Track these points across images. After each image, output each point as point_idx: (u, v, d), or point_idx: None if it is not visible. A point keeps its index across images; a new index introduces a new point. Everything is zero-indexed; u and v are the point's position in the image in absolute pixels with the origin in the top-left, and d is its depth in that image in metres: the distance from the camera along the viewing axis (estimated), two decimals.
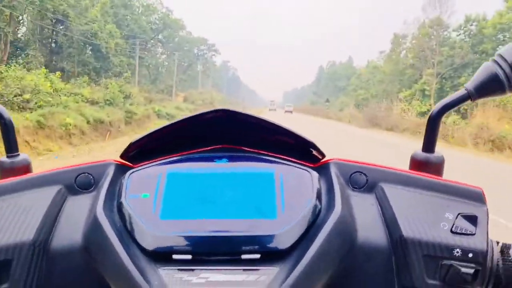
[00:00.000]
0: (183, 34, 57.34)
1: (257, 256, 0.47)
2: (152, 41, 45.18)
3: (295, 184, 0.53)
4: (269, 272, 0.45)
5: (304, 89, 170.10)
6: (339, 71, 76.77)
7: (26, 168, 0.65)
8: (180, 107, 34.67)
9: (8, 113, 0.64)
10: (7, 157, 0.65)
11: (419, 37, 35.74)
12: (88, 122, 17.20)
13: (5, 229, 0.49)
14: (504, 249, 0.50)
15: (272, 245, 0.47)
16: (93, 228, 0.49)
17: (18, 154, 0.66)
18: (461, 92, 0.60)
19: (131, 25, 38.23)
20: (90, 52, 29.41)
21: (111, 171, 0.57)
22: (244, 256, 0.47)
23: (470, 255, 0.47)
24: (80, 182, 0.56)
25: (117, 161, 0.59)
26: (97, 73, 28.78)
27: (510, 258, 0.49)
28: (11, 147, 0.65)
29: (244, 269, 0.46)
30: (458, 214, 0.50)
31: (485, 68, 0.58)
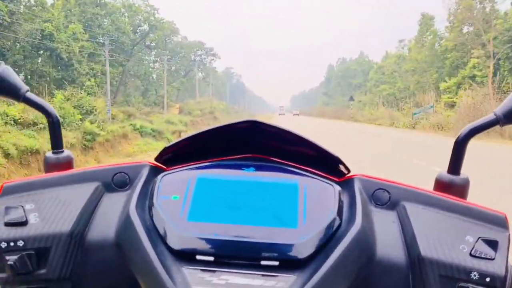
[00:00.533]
0: (178, 40, 51.14)
1: (276, 263, 0.48)
2: (137, 46, 38.81)
3: (318, 197, 0.54)
4: (287, 280, 0.46)
5: (313, 92, 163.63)
6: (353, 66, 69.79)
7: (69, 164, 0.70)
8: (172, 121, 28.18)
9: (55, 111, 0.69)
10: (53, 153, 0.70)
11: (458, 12, 28.67)
12: (7, 154, 10.55)
13: (46, 219, 0.53)
14: None
15: (291, 253, 0.48)
16: (125, 225, 0.52)
17: (63, 151, 0.70)
18: (489, 117, 0.60)
19: (108, 27, 31.83)
20: (47, 60, 23.02)
21: (145, 172, 0.59)
22: (263, 262, 0.48)
23: (488, 279, 0.47)
24: (116, 181, 0.59)
25: (151, 163, 0.62)
26: (59, 85, 22.34)
27: None
28: (57, 143, 0.70)
29: (263, 275, 0.47)
30: (479, 238, 0.50)
31: None
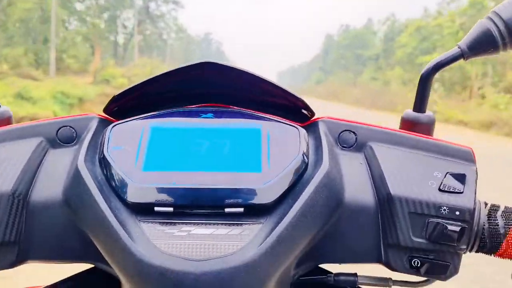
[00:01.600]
0: None
1: (241, 210, 0.45)
2: None
3: (282, 140, 0.52)
4: (253, 227, 0.45)
5: (303, 67, 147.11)
6: (363, 35, 53.27)
7: (7, 120, 0.64)
8: (29, 96, 11.83)
9: None
10: None
11: None
12: None
13: None
14: (491, 211, 0.50)
15: (256, 198, 0.46)
16: (74, 181, 0.49)
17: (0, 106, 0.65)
18: (453, 50, 0.58)
19: None
20: None
21: (93, 125, 0.56)
22: (227, 210, 0.46)
23: (457, 213, 0.47)
24: (61, 135, 0.55)
25: (100, 115, 0.58)
26: None
27: (497, 220, 0.49)
28: None
29: (227, 223, 0.45)
30: (447, 172, 0.50)
31: (479, 26, 0.56)
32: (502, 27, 0.54)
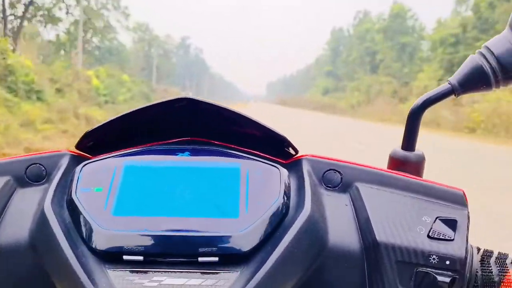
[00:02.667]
0: None
1: (215, 259, 0.43)
2: None
3: (262, 181, 0.49)
4: (229, 276, 0.42)
5: (296, 77, 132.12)
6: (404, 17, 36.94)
7: None
8: None
9: None
10: None
11: None
12: None
13: None
14: (484, 257, 0.48)
15: (232, 247, 0.43)
16: (40, 224, 0.46)
17: None
18: (444, 86, 0.56)
19: None
20: None
21: (64, 162, 0.52)
22: (201, 259, 0.43)
23: (448, 262, 0.44)
24: (30, 173, 0.52)
25: (72, 151, 0.55)
26: None
27: (490, 267, 0.47)
28: None
29: (201, 272, 0.43)
30: (437, 217, 0.47)
31: (470, 61, 0.55)
32: (494, 63, 0.52)
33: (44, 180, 0.52)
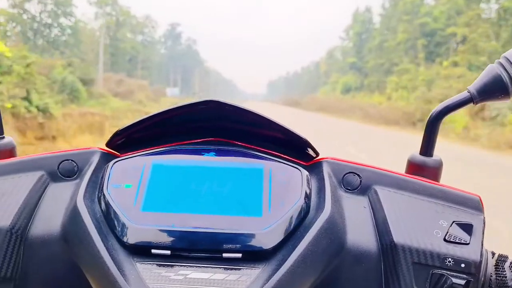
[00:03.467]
0: None
1: (239, 255, 0.45)
2: None
3: (284, 182, 0.51)
4: (251, 273, 0.44)
5: (299, 75, 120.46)
6: None
7: (10, 152, 0.63)
8: None
9: None
10: None
11: None
12: None
13: None
14: (499, 262, 0.49)
15: (255, 244, 0.45)
16: (72, 218, 0.48)
17: (3, 137, 0.64)
18: (463, 94, 0.58)
19: None
20: None
21: (95, 159, 0.55)
22: (225, 255, 0.45)
23: (463, 265, 0.46)
24: (63, 169, 0.55)
25: (102, 149, 0.57)
26: None
27: (505, 272, 0.47)
28: None
29: (225, 268, 0.44)
30: (453, 222, 0.49)
31: (490, 71, 0.56)
32: None
33: (75, 176, 0.54)
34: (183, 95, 60.52)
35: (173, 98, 40.63)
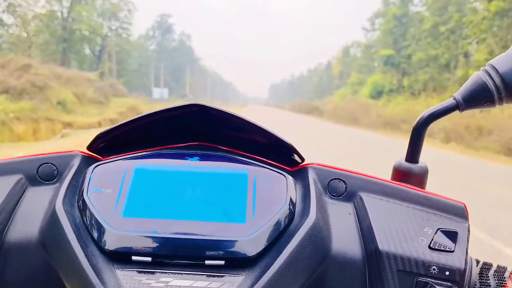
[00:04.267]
0: None
1: (221, 262, 0.44)
2: None
3: (268, 188, 0.51)
4: (234, 280, 0.43)
5: (305, 78, 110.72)
6: None
7: None
8: None
9: None
10: None
11: None
12: None
13: None
14: (483, 270, 0.49)
15: (238, 251, 0.44)
16: (51, 223, 0.47)
17: None
18: (449, 101, 0.58)
19: None
20: None
21: (76, 163, 0.53)
22: (208, 262, 0.44)
23: (447, 273, 0.45)
24: (42, 173, 0.53)
25: (83, 152, 0.56)
26: None
27: (489, 280, 0.48)
28: None
29: (207, 275, 0.44)
30: (438, 229, 0.48)
31: (475, 78, 0.56)
32: (498, 80, 0.53)
33: (55, 180, 0.53)
34: (173, 97, 50.78)
35: (150, 104, 30.46)
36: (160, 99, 45.94)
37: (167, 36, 64.87)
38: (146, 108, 20.66)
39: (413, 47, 28.40)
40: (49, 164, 0.53)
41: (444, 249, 0.46)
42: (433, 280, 0.45)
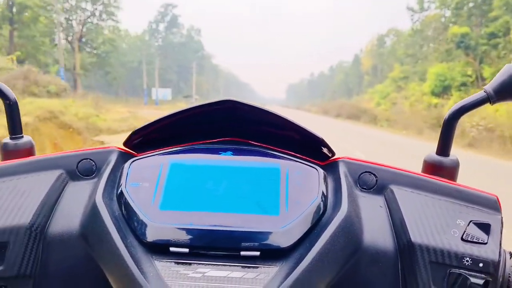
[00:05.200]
0: None
1: (257, 253, 0.45)
2: None
3: (301, 181, 0.52)
4: (269, 271, 0.44)
5: (326, 77, 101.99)
6: None
7: (29, 150, 0.64)
8: None
9: (12, 93, 0.63)
10: (11, 138, 0.64)
11: None
12: None
13: (2, 211, 0.49)
14: None
15: (272, 242, 0.46)
16: (91, 216, 0.48)
17: (22, 136, 0.64)
18: (479, 94, 0.58)
19: None
20: None
21: (113, 158, 0.56)
22: (243, 253, 0.45)
23: (481, 264, 0.45)
24: (81, 168, 0.56)
25: (120, 148, 0.58)
26: None
27: None
28: (16, 129, 0.64)
29: (242, 266, 0.45)
30: (470, 221, 0.48)
31: (507, 69, 0.56)
32: None
33: (94, 175, 0.55)
34: (175, 99, 43.00)
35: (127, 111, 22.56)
36: (165, 101, 38.28)
37: (173, 29, 57.23)
38: (92, 114, 12.59)
39: (505, 19, 19.42)
40: (88, 159, 0.55)
41: (477, 241, 0.46)
42: (466, 272, 0.45)
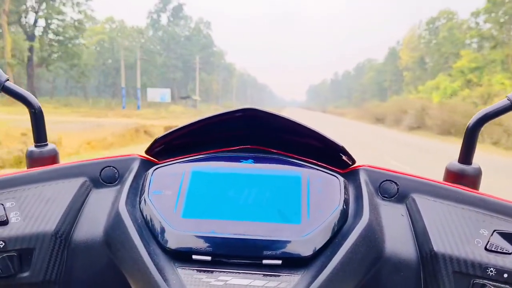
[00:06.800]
0: None
1: (278, 262, 0.45)
2: None
3: (322, 189, 0.52)
4: (291, 279, 0.44)
5: (351, 77, 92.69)
6: None
7: (53, 158, 0.66)
8: None
9: (37, 102, 0.64)
10: (36, 146, 0.65)
11: None
12: None
13: (29, 217, 0.50)
14: None
15: (294, 251, 0.46)
16: (115, 223, 0.49)
17: (47, 144, 0.66)
18: (502, 101, 0.57)
19: None
20: None
21: (135, 166, 0.57)
22: (265, 261, 0.46)
23: (505, 275, 0.44)
24: (104, 175, 0.57)
25: (142, 156, 0.59)
26: None
27: None
28: (41, 136, 0.65)
29: (264, 274, 0.45)
30: (494, 230, 0.48)
31: None
32: None
33: (117, 182, 0.56)
34: (171, 102, 34.79)
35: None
36: (137, 105, 29.96)
37: (176, 21, 49.17)
38: None
39: None
40: (111, 167, 0.56)
41: (501, 251, 0.45)
42: (490, 282, 0.44)
